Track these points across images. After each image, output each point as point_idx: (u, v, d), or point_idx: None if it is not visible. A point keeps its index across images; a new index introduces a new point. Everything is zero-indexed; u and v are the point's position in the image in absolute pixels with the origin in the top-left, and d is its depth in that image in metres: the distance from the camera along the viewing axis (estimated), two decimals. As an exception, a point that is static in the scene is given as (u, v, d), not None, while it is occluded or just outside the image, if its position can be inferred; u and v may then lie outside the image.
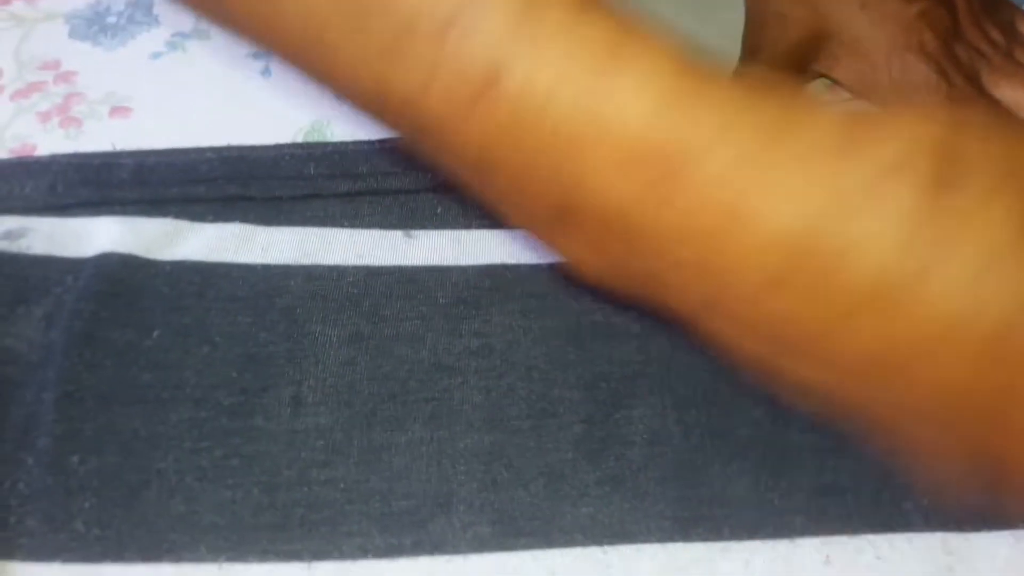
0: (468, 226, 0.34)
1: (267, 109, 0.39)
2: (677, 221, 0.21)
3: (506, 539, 0.27)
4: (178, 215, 0.33)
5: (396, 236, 0.33)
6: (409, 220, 0.34)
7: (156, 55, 0.40)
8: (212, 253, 0.32)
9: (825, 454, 0.29)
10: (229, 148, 0.35)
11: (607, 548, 0.27)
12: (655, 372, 0.31)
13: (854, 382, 0.21)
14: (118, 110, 0.38)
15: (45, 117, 0.38)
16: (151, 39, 0.41)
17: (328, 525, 0.27)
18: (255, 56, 0.41)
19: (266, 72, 0.40)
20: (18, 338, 0.30)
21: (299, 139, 0.37)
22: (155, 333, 0.30)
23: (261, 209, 0.33)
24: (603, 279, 0.24)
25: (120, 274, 0.31)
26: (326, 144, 0.36)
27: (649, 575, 0.27)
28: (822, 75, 0.39)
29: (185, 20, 0.41)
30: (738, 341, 0.22)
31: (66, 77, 0.39)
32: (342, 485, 0.28)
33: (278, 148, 0.35)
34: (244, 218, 0.33)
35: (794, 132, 0.20)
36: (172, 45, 0.41)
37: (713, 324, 0.23)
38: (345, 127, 0.38)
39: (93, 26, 0.41)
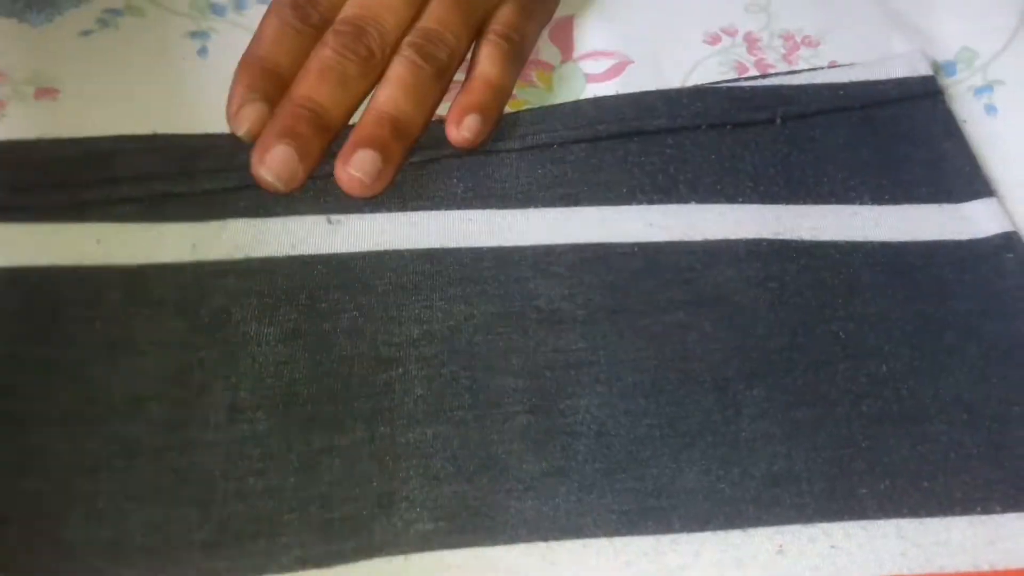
0: (403, 208, 0.33)
1: (203, 91, 0.37)
2: None
3: (449, 536, 0.26)
4: (101, 218, 0.31)
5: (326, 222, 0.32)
6: (343, 203, 0.32)
7: (86, 32, 0.39)
8: (139, 255, 0.31)
9: (777, 442, 0.28)
10: (154, 138, 0.33)
11: (552, 544, 0.26)
12: (601, 360, 0.30)
13: None
14: (44, 91, 0.36)
15: (-33, 99, 0.36)
16: (80, 15, 0.39)
17: (266, 538, 0.26)
18: (192, 35, 0.39)
19: (203, 52, 0.38)
20: None
21: (235, 121, 0.36)
22: (77, 347, 0.29)
23: (189, 205, 0.32)
24: None
25: (39, 287, 0.30)
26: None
27: (595, 570, 0.26)
28: None
29: (117, -5, 0.39)
30: None
31: (-12, 56, 0.37)
32: (281, 494, 0.27)
33: (206, 138, 0.33)
34: (171, 215, 0.31)
35: None
36: (103, 22, 0.39)
37: None
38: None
39: (19, 1, 0.39)
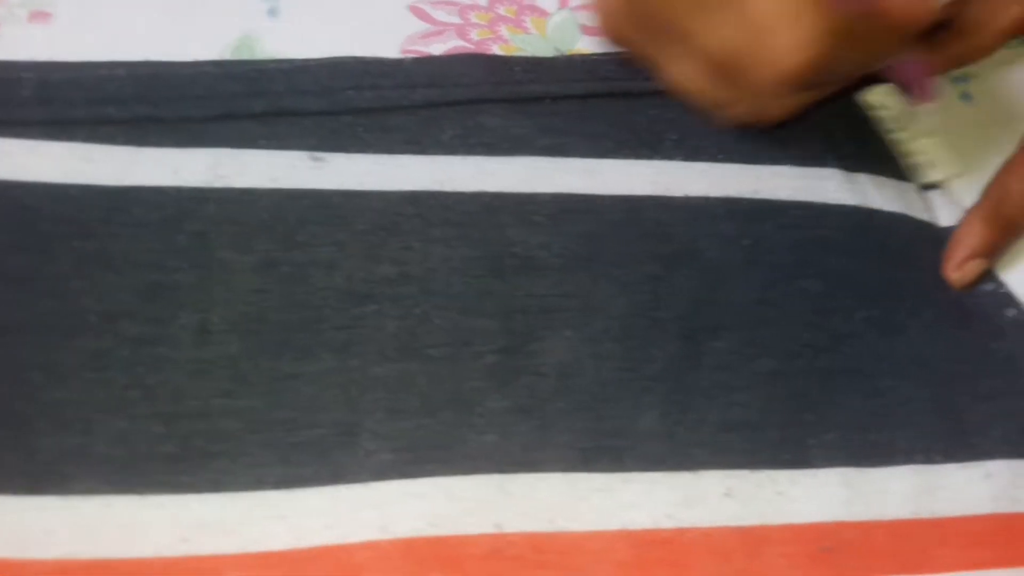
0: (391, 150, 0.33)
1: (196, 20, 0.37)
2: None
3: (408, 466, 0.27)
4: (86, 138, 0.31)
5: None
6: (329, 142, 0.33)
7: (81, -42, 0.39)
8: (123, 177, 0.31)
9: (735, 391, 0.29)
10: (143, 64, 0.34)
11: (508, 475, 0.27)
12: (573, 306, 0.30)
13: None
14: (37, 15, 0.36)
15: (-42, 20, 0.36)
16: (77, -59, 0.39)
17: (227, 456, 0.27)
18: (189, -35, 0.39)
19: (197, -19, 0.39)
20: None
21: (227, 54, 0.36)
22: (55, 261, 0.29)
23: (174, 130, 0.32)
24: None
25: (23, 200, 0.30)
26: (244, 62, 0.34)
27: (548, 502, 0.27)
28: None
29: (113, -81, 0.39)
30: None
31: (-19, -24, 0.37)
32: (246, 415, 0.28)
33: (194, 66, 0.34)
34: (156, 140, 0.32)
35: None
36: (99, -52, 0.39)
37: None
38: (276, 42, 0.37)
39: (17, -74, 0.39)
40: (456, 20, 0.39)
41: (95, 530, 0.26)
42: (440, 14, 0.39)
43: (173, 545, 0.25)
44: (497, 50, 0.38)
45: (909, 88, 0.33)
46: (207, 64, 0.34)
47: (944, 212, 0.35)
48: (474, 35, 0.38)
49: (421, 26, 0.38)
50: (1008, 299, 0.33)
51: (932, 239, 0.34)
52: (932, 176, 0.35)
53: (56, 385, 0.27)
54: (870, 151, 0.35)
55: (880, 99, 0.36)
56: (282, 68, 0.34)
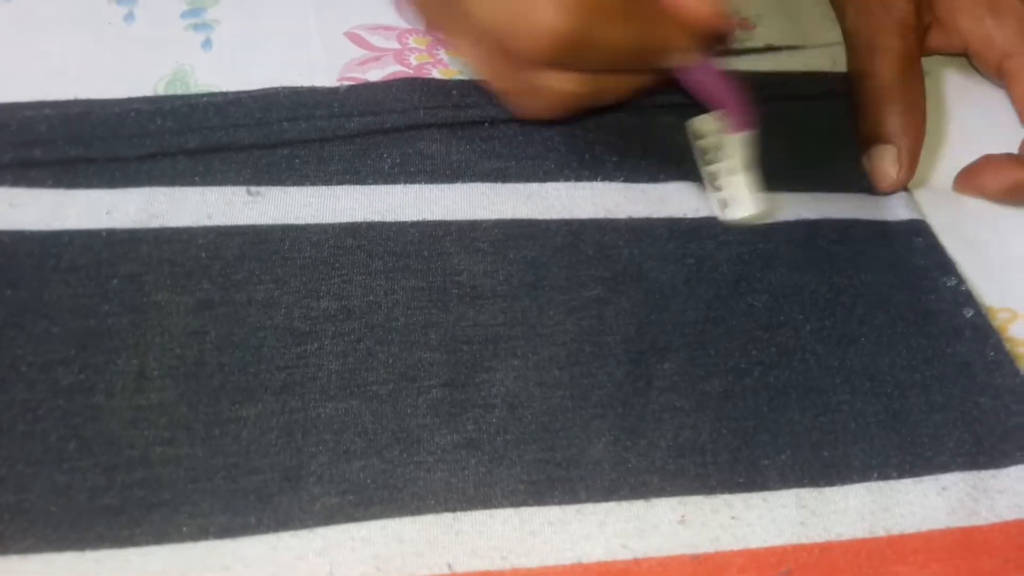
0: (328, 181, 0.32)
1: (128, 57, 0.36)
2: None
3: (355, 509, 0.26)
4: (14, 182, 0.31)
5: (245, 193, 0.32)
6: (265, 175, 0.32)
7: (11, -4, 0.38)
8: (53, 221, 0.30)
9: (684, 414, 0.29)
10: (73, 103, 0.33)
11: (459, 514, 0.27)
12: (519, 334, 0.30)
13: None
14: (-41, 56, 0.36)
15: None
16: (7, -21, 0.38)
17: (168, 506, 0.26)
18: (119, 0, 0.38)
19: (129, 18, 0.38)
20: None
21: (160, 89, 0.35)
22: None
23: (105, 170, 0.31)
24: None
25: None
26: (176, 97, 0.34)
27: (500, 539, 0.26)
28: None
29: (39, -42, 0.39)
30: None
31: (-97, 13, 0.36)
32: (186, 463, 0.27)
33: (125, 103, 0.33)
34: (87, 181, 0.31)
35: None
36: (30, -14, 0.38)
37: None
38: (212, 74, 0.36)
39: (-59, -31, 0.38)
40: (394, 45, 0.38)
41: None
42: (377, 40, 0.38)
43: (115, 603, 0.25)
44: (436, 74, 0.37)
45: (708, 100, 0.32)
46: (138, 101, 0.33)
47: (901, 211, 0.35)
48: (412, 60, 0.38)
49: (358, 52, 0.38)
50: (967, 297, 0.33)
51: (885, 236, 0.34)
52: (731, 214, 0.33)
53: None
54: (817, 167, 0.35)
55: (701, 127, 0.34)
56: (215, 102, 0.33)
